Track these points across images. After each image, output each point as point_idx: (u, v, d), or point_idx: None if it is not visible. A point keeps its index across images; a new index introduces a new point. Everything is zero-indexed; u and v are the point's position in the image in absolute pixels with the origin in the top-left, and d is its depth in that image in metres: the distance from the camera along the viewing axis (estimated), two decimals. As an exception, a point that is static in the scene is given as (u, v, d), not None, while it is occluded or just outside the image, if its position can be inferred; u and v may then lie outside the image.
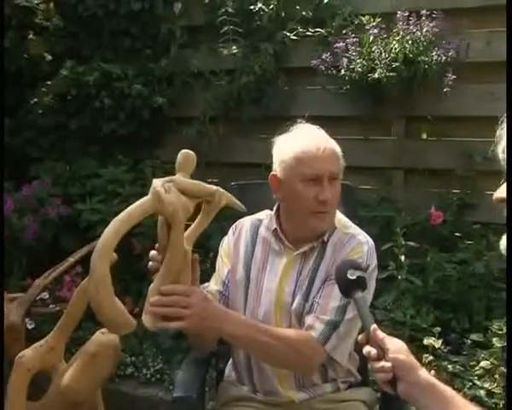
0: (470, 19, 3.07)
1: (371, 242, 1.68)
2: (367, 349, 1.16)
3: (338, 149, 1.66)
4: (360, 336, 1.21)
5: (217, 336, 1.60)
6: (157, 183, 1.29)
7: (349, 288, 1.23)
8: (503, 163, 1.06)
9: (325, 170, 1.61)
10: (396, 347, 1.14)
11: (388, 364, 1.12)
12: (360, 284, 1.22)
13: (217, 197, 1.44)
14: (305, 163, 1.61)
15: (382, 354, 1.14)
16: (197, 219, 1.48)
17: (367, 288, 1.25)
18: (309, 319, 1.60)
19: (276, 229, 1.72)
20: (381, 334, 1.16)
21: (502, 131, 1.07)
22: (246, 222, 1.79)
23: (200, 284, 1.53)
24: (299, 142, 1.64)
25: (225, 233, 1.81)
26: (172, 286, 1.38)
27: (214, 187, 1.44)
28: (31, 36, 3.86)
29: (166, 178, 1.31)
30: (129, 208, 1.27)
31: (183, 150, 1.41)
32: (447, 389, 1.12)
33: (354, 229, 1.71)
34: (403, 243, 2.80)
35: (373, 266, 1.65)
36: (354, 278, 1.21)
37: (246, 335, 1.51)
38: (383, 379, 1.13)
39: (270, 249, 1.73)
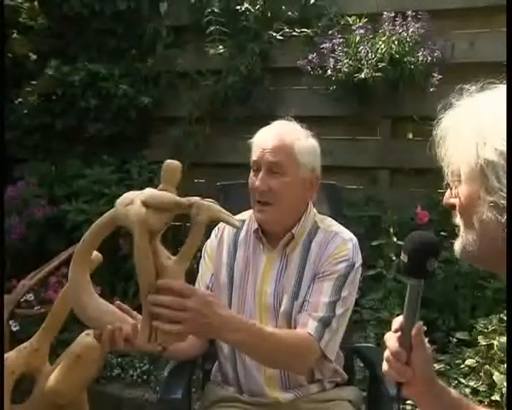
0: (454, 20, 3.10)
1: (355, 239, 1.69)
2: (393, 343, 1.07)
3: (296, 145, 1.64)
4: (397, 322, 1.09)
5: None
6: (126, 195, 1.27)
7: (421, 275, 1.07)
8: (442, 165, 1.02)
9: (262, 158, 1.64)
10: (422, 356, 1.07)
11: (409, 372, 1.05)
12: (430, 275, 1.08)
13: (193, 211, 1.24)
14: (252, 151, 1.68)
15: (406, 356, 1.06)
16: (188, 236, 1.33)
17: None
18: (302, 318, 1.60)
19: (257, 228, 1.71)
20: (420, 338, 1.07)
21: (439, 131, 1.01)
22: None
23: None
24: (260, 132, 1.70)
25: (210, 234, 1.80)
26: (168, 282, 1.26)
27: (193, 199, 1.25)
28: (15, 35, 3.83)
29: (141, 191, 1.27)
30: (99, 219, 1.30)
31: (167, 161, 1.31)
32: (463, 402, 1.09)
33: (337, 227, 1.71)
34: (394, 240, 2.81)
35: (359, 263, 1.67)
36: (431, 270, 1.06)
37: (247, 341, 1.46)
38: (394, 379, 1.07)
39: (252, 250, 1.73)
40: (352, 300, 1.66)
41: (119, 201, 1.26)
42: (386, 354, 1.08)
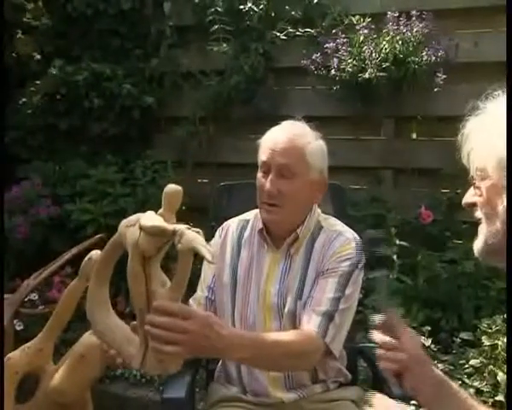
0: (458, 20, 3.10)
1: (358, 238, 1.68)
2: (380, 337, 1.11)
3: (307, 148, 1.63)
4: (375, 320, 1.14)
5: None
6: (133, 216, 1.27)
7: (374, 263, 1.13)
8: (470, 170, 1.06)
9: (272, 160, 1.62)
10: (411, 339, 1.11)
11: (403, 355, 1.08)
12: (384, 262, 1.13)
13: (176, 239, 1.18)
14: (261, 151, 1.66)
15: (394, 342, 1.09)
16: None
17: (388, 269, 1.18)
18: (305, 314, 1.59)
19: (262, 228, 1.71)
20: (396, 320, 1.12)
21: (465, 131, 1.07)
22: (232, 223, 1.78)
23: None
24: (271, 132, 1.68)
25: (214, 234, 1.80)
26: (165, 303, 1.21)
27: (178, 227, 1.18)
28: (19, 35, 3.84)
29: (144, 214, 1.27)
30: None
31: (168, 186, 1.27)
32: (461, 391, 1.10)
33: (341, 226, 1.71)
34: (397, 242, 2.81)
35: (362, 262, 1.66)
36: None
37: (252, 356, 1.42)
38: (391, 369, 1.09)
39: (256, 250, 1.72)
40: (355, 298, 1.66)
41: (124, 221, 1.26)
42: (378, 350, 1.11)
